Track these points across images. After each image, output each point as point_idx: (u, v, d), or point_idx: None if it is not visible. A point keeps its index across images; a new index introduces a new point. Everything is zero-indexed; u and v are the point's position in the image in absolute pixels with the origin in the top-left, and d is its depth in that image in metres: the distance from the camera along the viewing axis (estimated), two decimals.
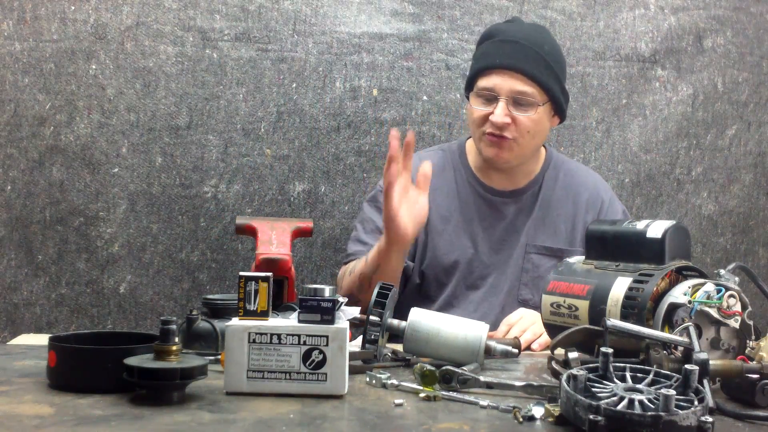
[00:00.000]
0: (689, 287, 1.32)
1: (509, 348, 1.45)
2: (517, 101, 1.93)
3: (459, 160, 2.10)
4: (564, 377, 1.07)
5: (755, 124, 2.67)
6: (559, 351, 1.32)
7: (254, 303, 1.22)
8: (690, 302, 1.29)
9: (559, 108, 2.00)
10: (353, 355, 1.36)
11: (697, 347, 1.21)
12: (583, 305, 1.42)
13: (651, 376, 1.12)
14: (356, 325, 1.43)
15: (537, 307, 1.95)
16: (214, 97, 2.45)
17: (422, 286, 2.05)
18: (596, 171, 2.54)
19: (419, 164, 2.08)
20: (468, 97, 2.02)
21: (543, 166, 2.09)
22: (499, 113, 1.91)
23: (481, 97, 1.96)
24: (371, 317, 1.43)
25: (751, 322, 1.32)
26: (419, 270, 2.05)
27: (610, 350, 1.13)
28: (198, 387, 1.21)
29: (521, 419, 1.10)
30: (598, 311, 1.39)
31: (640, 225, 1.44)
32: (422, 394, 1.22)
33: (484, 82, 1.95)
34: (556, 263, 1.97)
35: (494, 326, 1.87)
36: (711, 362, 1.18)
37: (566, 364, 1.25)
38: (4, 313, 2.39)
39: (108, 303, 2.42)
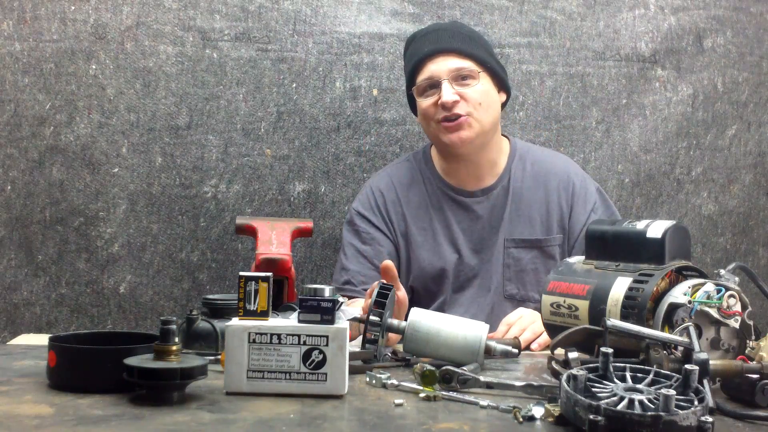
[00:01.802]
0: (689, 287, 1.32)
1: (509, 348, 1.45)
2: (458, 77, 1.97)
3: (426, 167, 2.12)
4: (564, 377, 1.07)
5: (755, 124, 2.67)
6: (559, 351, 1.32)
7: (254, 303, 1.22)
8: (690, 302, 1.29)
9: (500, 81, 2.04)
10: (353, 355, 1.36)
11: (697, 347, 1.21)
12: (583, 305, 1.42)
13: (651, 376, 1.12)
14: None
15: (524, 300, 1.98)
16: (214, 97, 2.45)
17: (413, 298, 2.04)
18: (596, 171, 2.55)
19: (388, 181, 2.12)
20: (414, 108, 2.09)
21: (509, 158, 2.09)
22: (446, 91, 1.95)
23: (424, 89, 2.00)
24: (371, 317, 1.43)
25: (751, 322, 1.32)
26: (408, 285, 2.05)
27: (610, 350, 1.13)
28: (198, 387, 1.21)
29: (521, 419, 1.10)
30: (598, 311, 1.39)
31: (640, 225, 1.44)
32: (422, 394, 1.22)
33: (421, 76, 2.00)
34: (536, 254, 2.00)
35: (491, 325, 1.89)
36: (711, 362, 1.18)
37: (566, 364, 1.25)
38: (4, 313, 2.39)
39: (108, 303, 2.42)
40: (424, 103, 1.99)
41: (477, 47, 2.01)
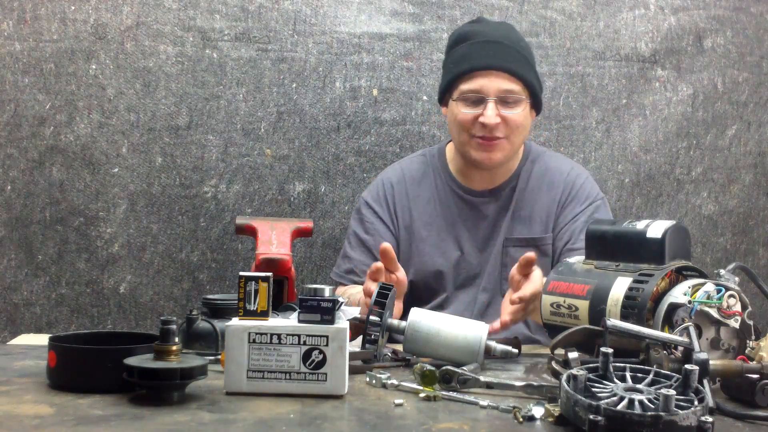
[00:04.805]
0: (689, 287, 1.32)
1: (509, 348, 1.45)
2: (504, 100, 1.93)
3: (439, 164, 2.10)
4: (564, 377, 1.07)
5: (755, 124, 2.67)
6: (559, 351, 1.32)
7: (254, 303, 1.22)
8: (690, 302, 1.29)
9: (537, 102, 2.01)
10: (353, 355, 1.36)
11: (697, 347, 1.21)
12: (583, 305, 1.42)
13: (651, 376, 1.12)
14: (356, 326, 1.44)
15: None
16: (214, 97, 2.45)
17: (413, 293, 2.03)
18: (596, 171, 2.55)
19: (400, 174, 2.11)
20: (443, 104, 2.03)
21: (521, 161, 2.09)
22: (491, 114, 1.91)
23: (466, 100, 1.95)
24: (371, 317, 1.43)
25: (751, 322, 1.32)
26: (408, 280, 2.02)
27: (610, 350, 1.13)
28: (198, 387, 1.21)
29: (521, 419, 1.10)
30: (598, 311, 1.39)
31: (640, 225, 1.44)
32: (422, 394, 1.22)
33: (468, 85, 1.94)
34: (532, 252, 1.98)
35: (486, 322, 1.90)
36: (711, 362, 1.18)
37: (566, 364, 1.25)
38: (4, 313, 2.39)
39: (108, 303, 2.42)
40: (463, 114, 1.94)
41: (528, 68, 1.97)
